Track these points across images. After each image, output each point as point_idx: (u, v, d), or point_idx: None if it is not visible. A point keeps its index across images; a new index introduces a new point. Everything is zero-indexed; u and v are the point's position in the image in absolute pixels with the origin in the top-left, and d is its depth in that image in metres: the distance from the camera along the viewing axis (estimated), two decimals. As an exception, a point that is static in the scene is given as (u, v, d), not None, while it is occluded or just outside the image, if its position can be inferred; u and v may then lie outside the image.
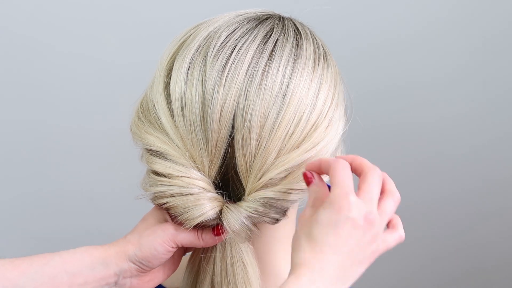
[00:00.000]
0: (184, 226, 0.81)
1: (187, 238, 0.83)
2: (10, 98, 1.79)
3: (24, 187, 1.84)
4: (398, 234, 0.80)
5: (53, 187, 1.85)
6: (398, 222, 0.80)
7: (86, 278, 0.83)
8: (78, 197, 1.85)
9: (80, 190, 1.85)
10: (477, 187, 1.91)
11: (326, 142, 0.82)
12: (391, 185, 0.79)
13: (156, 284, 0.87)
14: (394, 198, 0.78)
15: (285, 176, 0.81)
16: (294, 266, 0.75)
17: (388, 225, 0.80)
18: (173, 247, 0.83)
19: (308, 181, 0.79)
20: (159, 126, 0.82)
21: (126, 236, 0.84)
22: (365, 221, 0.75)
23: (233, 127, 0.80)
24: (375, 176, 0.77)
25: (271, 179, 0.80)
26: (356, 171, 0.79)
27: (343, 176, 0.76)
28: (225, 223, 0.80)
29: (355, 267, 0.76)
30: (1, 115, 1.80)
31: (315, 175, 0.79)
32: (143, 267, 0.83)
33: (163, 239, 0.82)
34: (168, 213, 0.84)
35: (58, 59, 1.78)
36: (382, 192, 0.78)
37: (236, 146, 0.80)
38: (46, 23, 1.76)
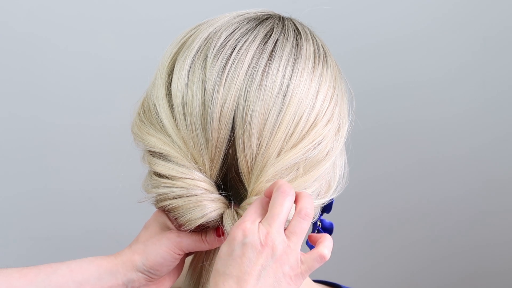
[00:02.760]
0: (186, 227, 0.81)
1: (192, 243, 0.83)
2: (9, 95, 1.79)
3: (22, 185, 1.84)
4: (317, 253, 0.76)
5: (52, 186, 1.85)
6: (322, 241, 0.78)
7: None
8: (78, 196, 1.85)
9: (79, 189, 1.85)
10: (477, 187, 1.91)
11: (326, 141, 0.82)
12: (301, 203, 0.77)
13: None
14: (300, 215, 0.76)
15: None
16: None
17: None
18: (179, 254, 0.83)
19: None
20: (160, 127, 0.82)
21: (131, 246, 0.84)
22: (262, 244, 0.74)
23: (233, 128, 0.80)
24: (278, 198, 0.76)
25: (267, 182, 0.80)
26: (268, 196, 0.78)
27: (249, 209, 0.76)
28: (224, 226, 0.80)
29: None
30: (1, 112, 1.80)
31: None
32: (151, 276, 0.83)
33: (168, 247, 0.83)
34: (168, 217, 0.84)
35: (60, 56, 1.78)
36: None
37: (237, 146, 0.80)
38: (46, 20, 1.76)
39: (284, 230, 0.76)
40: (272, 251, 0.74)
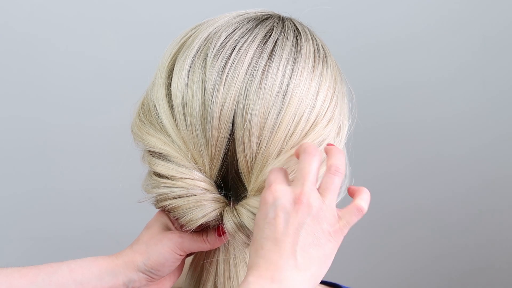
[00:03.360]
0: (187, 228, 0.81)
1: (193, 243, 0.83)
2: (10, 95, 1.79)
3: (22, 185, 1.84)
4: (354, 206, 0.76)
5: (52, 186, 1.85)
6: (358, 194, 0.77)
7: None
8: (78, 196, 1.85)
9: (79, 189, 1.85)
10: (477, 187, 1.91)
11: (327, 142, 0.82)
12: (331, 160, 0.77)
13: None
14: (331, 171, 0.76)
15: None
16: (247, 271, 0.75)
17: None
18: (181, 254, 0.83)
19: None
20: (160, 127, 0.82)
21: (132, 246, 0.84)
22: (296, 204, 0.73)
23: (233, 128, 0.80)
24: (307, 158, 0.76)
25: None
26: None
27: (273, 174, 0.76)
28: (225, 224, 0.80)
29: (314, 250, 0.73)
30: (1, 112, 1.80)
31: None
32: (152, 276, 0.83)
33: (170, 247, 0.83)
34: (169, 217, 0.84)
35: (60, 57, 1.78)
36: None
37: (237, 146, 0.80)
38: (46, 21, 1.76)
39: (317, 189, 0.76)
40: (308, 209, 0.74)
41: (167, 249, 0.83)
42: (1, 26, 1.75)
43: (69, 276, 0.83)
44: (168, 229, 0.84)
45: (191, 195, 0.80)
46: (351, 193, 0.79)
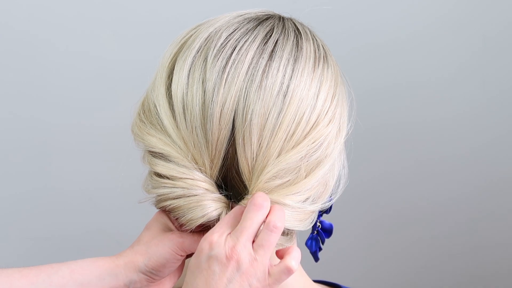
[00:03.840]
0: (186, 227, 0.81)
1: (194, 243, 0.83)
2: (10, 95, 1.79)
3: (22, 185, 1.84)
4: (284, 265, 0.77)
5: (52, 186, 1.85)
6: (289, 252, 0.77)
7: None
8: (78, 196, 1.85)
9: (79, 189, 1.85)
10: (477, 188, 1.91)
11: (327, 142, 0.82)
12: (271, 215, 0.77)
13: None
14: (268, 227, 0.76)
15: (286, 182, 0.80)
16: None
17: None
18: (181, 255, 0.83)
19: None
20: (161, 127, 0.82)
21: (133, 246, 0.84)
22: (227, 259, 0.75)
23: (233, 128, 0.80)
24: (250, 211, 0.76)
25: (267, 182, 0.80)
26: None
27: (221, 220, 0.77)
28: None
29: None
30: (1, 112, 1.80)
31: None
32: (153, 277, 0.83)
33: (171, 248, 0.83)
34: (169, 217, 0.84)
35: (60, 57, 1.78)
36: None
37: (237, 147, 0.80)
38: (46, 20, 1.76)
39: (253, 242, 0.76)
40: (237, 264, 0.75)
41: (167, 249, 0.83)
42: (1, 26, 1.75)
43: (70, 276, 0.82)
44: (168, 229, 0.84)
45: (192, 195, 0.80)
46: (280, 255, 0.79)
